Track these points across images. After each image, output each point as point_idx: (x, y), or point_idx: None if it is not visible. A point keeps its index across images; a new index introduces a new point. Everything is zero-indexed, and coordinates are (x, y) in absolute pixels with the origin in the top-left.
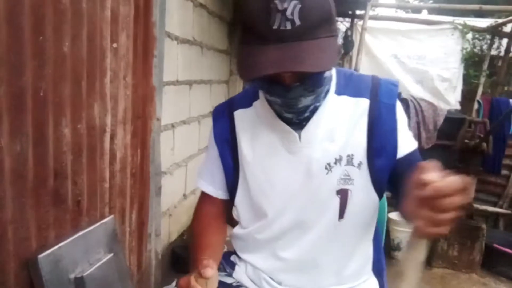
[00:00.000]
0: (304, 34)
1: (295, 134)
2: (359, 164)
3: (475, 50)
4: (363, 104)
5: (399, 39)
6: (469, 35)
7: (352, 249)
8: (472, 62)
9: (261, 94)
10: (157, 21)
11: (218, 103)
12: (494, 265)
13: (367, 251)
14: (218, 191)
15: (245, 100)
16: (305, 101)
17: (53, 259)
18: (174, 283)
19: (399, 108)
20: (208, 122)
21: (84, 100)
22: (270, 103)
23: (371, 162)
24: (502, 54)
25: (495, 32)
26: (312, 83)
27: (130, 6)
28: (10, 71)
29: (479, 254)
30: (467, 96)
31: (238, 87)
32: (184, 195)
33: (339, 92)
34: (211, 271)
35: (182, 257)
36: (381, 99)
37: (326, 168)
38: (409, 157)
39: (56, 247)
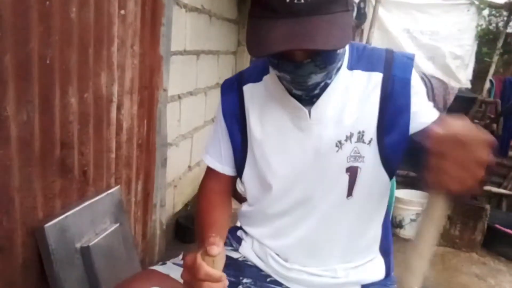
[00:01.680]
0: (318, 9)
1: (305, 110)
2: (370, 141)
3: (491, 27)
4: (376, 78)
5: (413, 13)
6: (486, 11)
7: (360, 228)
8: (486, 40)
9: (271, 68)
10: None
11: (226, 74)
12: (494, 245)
13: (375, 230)
14: (224, 167)
15: (255, 74)
16: (316, 78)
17: (59, 229)
18: (180, 256)
19: (415, 81)
20: (215, 94)
21: (91, 69)
22: (279, 78)
23: (381, 139)
24: None
25: None
26: (324, 60)
27: None
28: (15, 37)
29: (481, 234)
30: (479, 74)
31: (246, 58)
32: (189, 167)
33: (351, 66)
34: (217, 249)
35: (186, 227)
36: (395, 72)
37: (336, 145)
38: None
39: (63, 216)
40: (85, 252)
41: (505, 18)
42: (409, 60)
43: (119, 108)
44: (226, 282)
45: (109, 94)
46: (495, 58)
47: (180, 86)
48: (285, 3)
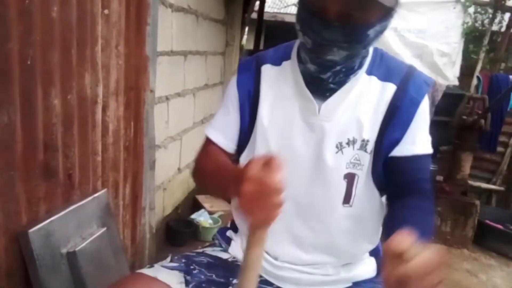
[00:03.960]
0: None
1: (316, 105)
2: (371, 151)
3: (476, 24)
4: (390, 90)
5: (400, 11)
6: (471, 9)
7: (354, 236)
8: (472, 37)
9: (293, 55)
10: None
11: (214, 75)
12: (485, 241)
13: (370, 238)
14: (228, 143)
15: (275, 57)
16: (337, 53)
17: (44, 234)
18: (169, 259)
19: (424, 106)
20: (204, 95)
21: (74, 69)
22: (299, 49)
23: (376, 152)
24: (503, 29)
25: (497, 6)
26: (353, 30)
27: None
28: None
29: (472, 230)
30: (466, 71)
31: (235, 59)
32: (179, 169)
33: (370, 72)
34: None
35: (176, 230)
36: (409, 90)
37: (337, 147)
38: (414, 159)
39: (47, 221)
40: (71, 257)
41: (490, 16)
42: (426, 85)
43: (104, 109)
44: None
45: (94, 95)
46: (482, 55)
47: (167, 87)
48: None
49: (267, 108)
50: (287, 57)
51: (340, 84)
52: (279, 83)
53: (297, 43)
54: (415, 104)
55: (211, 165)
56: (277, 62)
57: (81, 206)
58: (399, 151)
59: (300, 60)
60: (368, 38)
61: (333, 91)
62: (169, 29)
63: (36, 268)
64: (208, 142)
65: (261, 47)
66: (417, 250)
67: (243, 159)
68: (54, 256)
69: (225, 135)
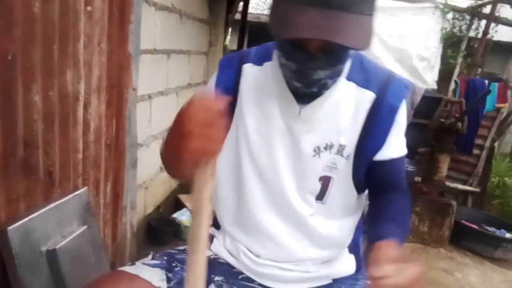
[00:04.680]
0: (351, 6)
1: (297, 107)
2: (348, 156)
3: (454, 30)
4: (369, 97)
5: (381, 16)
6: (450, 15)
7: (330, 230)
8: (451, 43)
9: (274, 56)
10: None
11: (197, 75)
12: (461, 241)
13: (347, 234)
14: None
15: (257, 57)
16: (321, 74)
17: (23, 231)
18: (150, 256)
19: (402, 111)
20: (187, 94)
21: (56, 66)
22: (282, 67)
23: (357, 157)
24: (480, 35)
25: (474, 12)
26: (337, 58)
27: None
28: None
29: (448, 229)
30: (444, 76)
31: (218, 59)
32: (161, 168)
33: (349, 77)
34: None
35: (158, 229)
36: (388, 98)
37: (314, 150)
38: (390, 163)
39: (27, 219)
40: (51, 255)
41: (468, 22)
42: (405, 89)
43: (86, 107)
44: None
45: (76, 92)
46: (459, 60)
47: (150, 86)
48: None
49: (250, 107)
50: (268, 58)
51: (321, 89)
52: (260, 84)
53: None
54: (394, 111)
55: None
56: (258, 62)
57: (62, 204)
58: (378, 156)
59: (278, 62)
60: (347, 58)
61: (314, 96)
62: (152, 28)
63: (15, 266)
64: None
65: (245, 47)
66: (398, 271)
67: (221, 156)
68: (33, 254)
69: None
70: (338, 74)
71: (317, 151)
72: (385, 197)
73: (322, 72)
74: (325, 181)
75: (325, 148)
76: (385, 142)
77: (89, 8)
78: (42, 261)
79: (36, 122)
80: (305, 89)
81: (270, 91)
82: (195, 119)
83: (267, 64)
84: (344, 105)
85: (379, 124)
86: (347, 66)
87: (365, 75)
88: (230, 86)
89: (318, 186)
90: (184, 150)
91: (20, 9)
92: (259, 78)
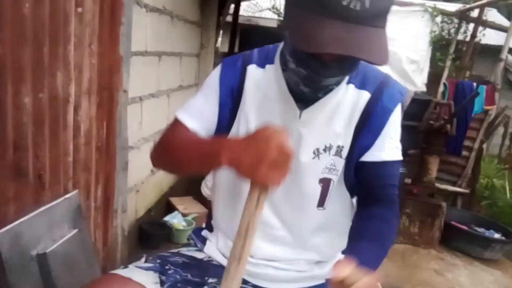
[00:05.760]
0: (370, 20)
1: (297, 111)
2: (346, 157)
3: (443, 33)
4: (364, 97)
5: None
6: (438, 19)
7: (328, 236)
8: (440, 46)
9: (276, 59)
10: None
11: (189, 77)
12: (451, 241)
13: (343, 239)
14: (203, 132)
15: (260, 59)
16: (331, 81)
17: (13, 235)
18: (143, 259)
19: (396, 115)
20: (178, 96)
21: (46, 68)
22: (289, 71)
23: (349, 158)
24: (468, 38)
25: (462, 16)
26: (349, 68)
27: None
28: None
29: (438, 231)
30: (433, 78)
31: (209, 61)
32: (152, 171)
33: (348, 80)
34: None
35: (149, 233)
36: (383, 99)
37: (314, 153)
38: (382, 166)
39: (17, 222)
40: (42, 259)
41: (456, 25)
42: (400, 94)
43: (76, 109)
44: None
45: (66, 95)
46: (448, 63)
47: (141, 88)
48: (342, 6)
49: (253, 108)
50: (270, 61)
51: (323, 93)
52: (262, 86)
53: (279, 48)
54: (387, 113)
55: (184, 139)
56: (261, 64)
57: (52, 207)
58: (368, 156)
59: (284, 66)
60: (359, 64)
61: (315, 100)
62: (143, 30)
63: (4, 270)
64: (179, 125)
65: (236, 50)
66: (357, 277)
67: None
68: (23, 258)
69: (201, 124)
70: (344, 79)
71: (317, 153)
72: (371, 212)
73: (333, 80)
74: (325, 184)
75: (324, 150)
76: (375, 142)
77: (79, 9)
78: (32, 265)
79: (26, 124)
80: (312, 94)
81: (272, 94)
82: (283, 151)
83: (269, 67)
84: (343, 107)
85: (372, 122)
86: None
87: (363, 77)
88: (235, 86)
89: (318, 189)
90: (254, 171)
91: (9, 10)
92: (261, 81)
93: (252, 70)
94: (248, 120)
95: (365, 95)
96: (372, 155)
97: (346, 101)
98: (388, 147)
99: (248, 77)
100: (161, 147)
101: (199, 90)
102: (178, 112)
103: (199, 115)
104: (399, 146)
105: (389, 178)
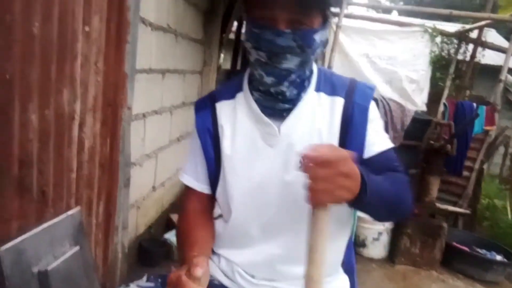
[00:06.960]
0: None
1: (275, 127)
2: None
3: (443, 53)
4: (339, 102)
5: (371, 39)
6: (438, 39)
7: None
8: (439, 65)
9: (244, 85)
10: (132, 5)
11: (191, 94)
12: (452, 263)
13: (340, 250)
14: (202, 186)
15: (227, 92)
16: (290, 62)
17: (15, 252)
18: (145, 278)
19: (373, 110)
20: (181, 113)
21: (52, 85)
22: (253, 66)
23: None
24: (467, 59)
25: (462, 37)
26: (302, 36)
27: None
28: None
29: (440, 252)
30: (433, 98)
31: (212, 78)
32: (154, 187)
33: (317, 88)
34: (200, 270)
35: (149, 250)
36: (355, 99)
37: (300, 162)
38: (379, 156)
39: (19, 239)
40: (43, 276)
41: (456, 46)
42: (370, 90)
43: (81, 126)
44: None
45: (71, 111)
46: (448, 82)
47: (145, 105)
48: None
49: (228, 138)
50: (239, 89)
51: (294, 102)
52: (236, 115)
53: (247, 74)
54: (365, 110)
55: (181, 234)
56: (230, 97)
57: (54, 224)
58: (367, 153)
59: (252, 89)
60: (315, 43)
61: (288, 111)
62: (148, 47)
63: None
64: (187, 189)
65: (238, 67)
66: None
67: (219, 195)
68: (24, 275)
69: (197, 178)
70: (304, 68)
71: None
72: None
73: (292, 59)
74: None
75: None
76: (365, 140)
77: (87, 28)
78: (33, 282)
79: (31, 141)
80: (278, 86)
81: (247, 120)
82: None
83: (239, 95)
84: (320, 113)
85: (355, 124)
86: (314, 79)
87: (331, 84)
88: (210, 127)
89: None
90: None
91: (19, 29)
92: (234, 111)
93: (222, 106)
94: (227, 151)
95: (339, 100)
96: (371, 150)
97: (321, 107)
98: (379, 139)
99: (220, 114)
100: (178, 220)
101: (190, 143)
102: (180, 176)
103: (193, 171)
104: (386, 135)
105: (392, 161)
